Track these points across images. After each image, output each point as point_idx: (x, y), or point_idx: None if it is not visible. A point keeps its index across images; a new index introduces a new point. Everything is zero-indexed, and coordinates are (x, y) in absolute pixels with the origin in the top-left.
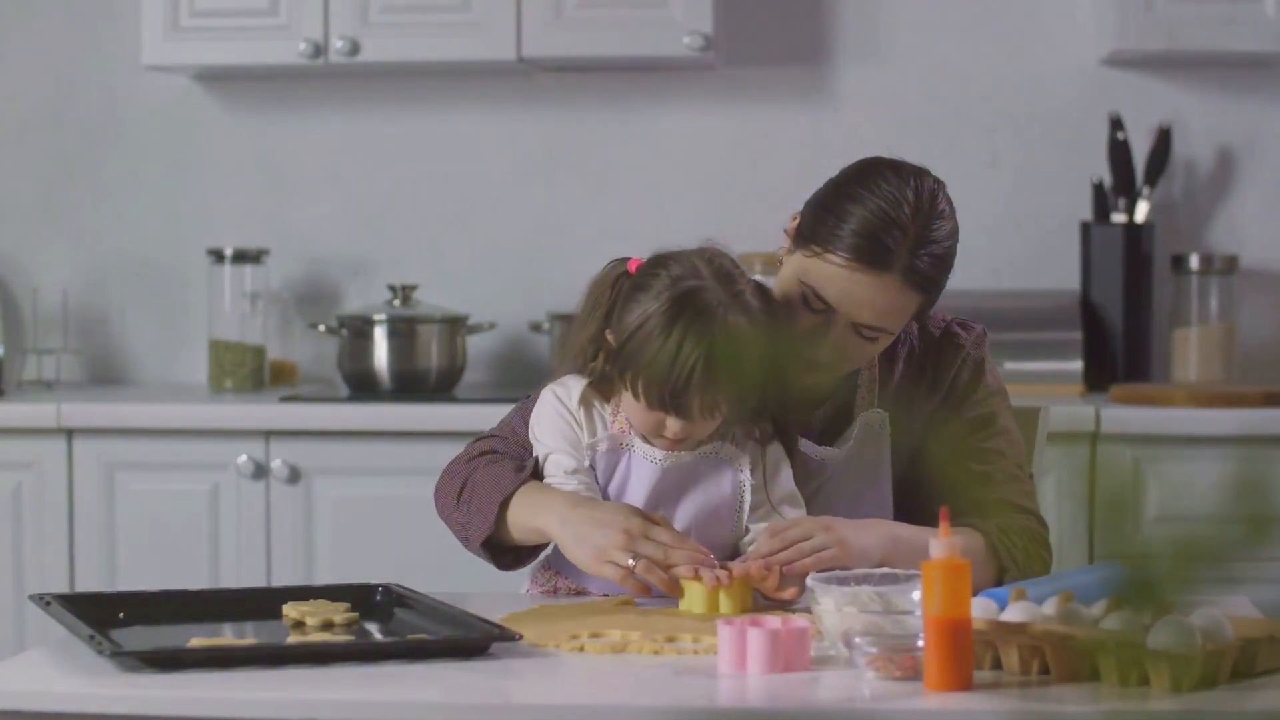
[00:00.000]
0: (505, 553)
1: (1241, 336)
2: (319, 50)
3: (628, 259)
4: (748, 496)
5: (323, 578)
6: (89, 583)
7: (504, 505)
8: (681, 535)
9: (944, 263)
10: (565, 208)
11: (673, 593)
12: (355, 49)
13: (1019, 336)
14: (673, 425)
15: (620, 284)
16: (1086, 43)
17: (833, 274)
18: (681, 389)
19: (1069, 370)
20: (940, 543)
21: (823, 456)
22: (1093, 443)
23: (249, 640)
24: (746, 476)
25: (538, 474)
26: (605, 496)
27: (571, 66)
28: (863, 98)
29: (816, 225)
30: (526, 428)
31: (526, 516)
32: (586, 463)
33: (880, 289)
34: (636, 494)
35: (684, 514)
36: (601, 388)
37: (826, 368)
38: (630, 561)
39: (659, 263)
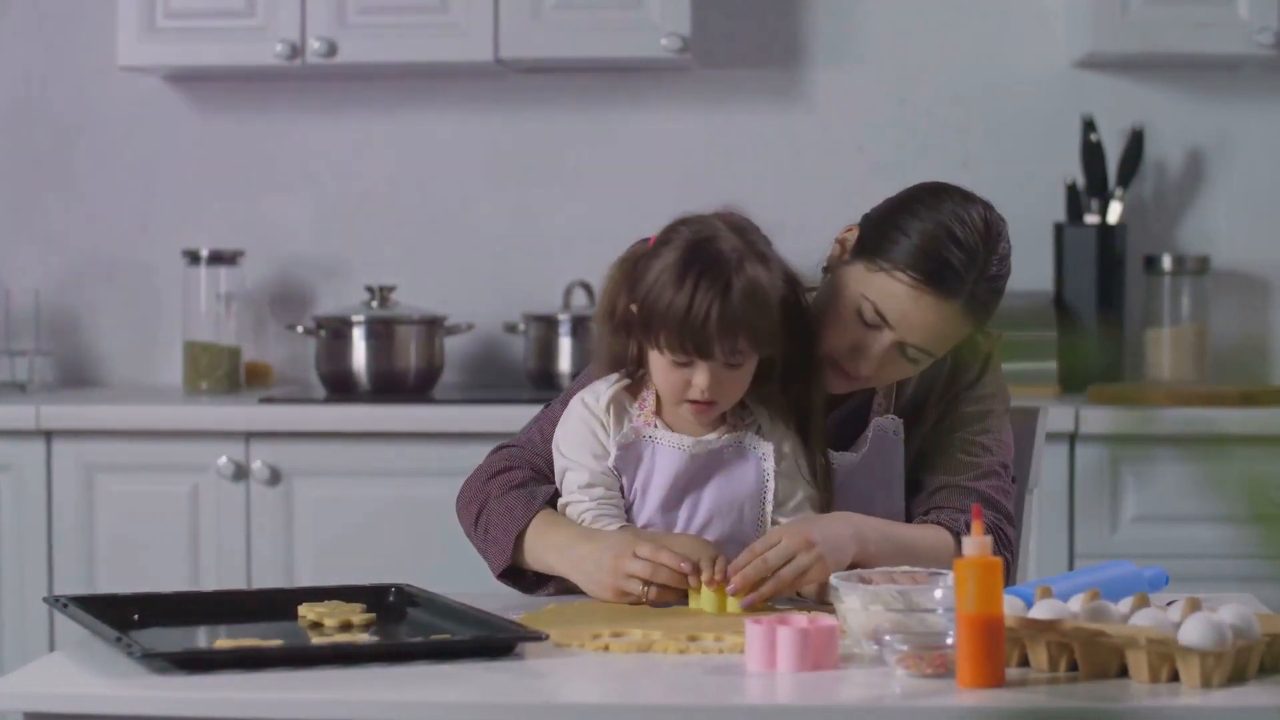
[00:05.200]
0: (526, 575)
1: (1212, 337)
2: (296, 51)
3: (649, 239)
4: (771, 485)
5: (303, 579)
6: (68, 585)
7: (519, 536)
8: (658, 546)
9: (998, 299)
10: (542, 208)
11: (686, 584)
12: (332, 50)
13: None
14: (700, 379)
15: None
16: (1058, 45)
17: (897, 291)
18: (700, 327)
19: (1044, 370)
20: (972, 541)
21: (836, 462)
22: (1071, 442)
23: (276, 641)
24: (771, 465)
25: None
26: (631, 492)
27: (549, 68)
28: (837, 99)
29: (880, 239)
30: (545, 440)
31: (541, 551)
32: (611, 462)
33: (940, 313)
34: (661, 484)
35: (707, 503)
36: (632, 387)
37: (861, 382)
38: (639, 587)
39: (676, 223)
